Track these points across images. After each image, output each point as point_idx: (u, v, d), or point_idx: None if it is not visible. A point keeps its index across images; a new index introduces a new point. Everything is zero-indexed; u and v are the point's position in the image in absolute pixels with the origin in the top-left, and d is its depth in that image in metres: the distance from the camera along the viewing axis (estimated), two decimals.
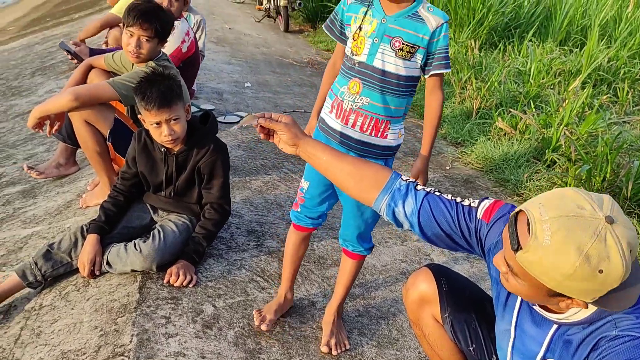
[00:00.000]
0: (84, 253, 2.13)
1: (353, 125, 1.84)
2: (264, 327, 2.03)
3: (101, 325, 1.88)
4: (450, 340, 1.65)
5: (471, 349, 1.62)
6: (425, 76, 1.85)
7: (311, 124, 2.11)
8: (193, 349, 1.82)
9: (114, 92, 2.46)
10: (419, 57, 1.79)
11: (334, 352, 2.03)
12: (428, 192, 1.45)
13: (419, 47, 1.78)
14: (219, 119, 3.94)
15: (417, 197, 1.44)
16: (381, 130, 1.84)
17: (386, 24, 1.77)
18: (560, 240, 1.08)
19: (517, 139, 4.33)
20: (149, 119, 2.15)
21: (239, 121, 4.07)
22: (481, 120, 4.76)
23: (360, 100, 1.82)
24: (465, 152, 4.36)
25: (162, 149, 2.29)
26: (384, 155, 1.90)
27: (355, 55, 1.82)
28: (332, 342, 2.05)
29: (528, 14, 7.57)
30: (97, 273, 2.13)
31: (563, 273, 1.09)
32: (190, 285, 2.13)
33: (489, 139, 4.43)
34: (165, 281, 2.11)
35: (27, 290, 2.15)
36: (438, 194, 1.46)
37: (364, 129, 1.83)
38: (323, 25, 2.04)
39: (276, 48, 7.38)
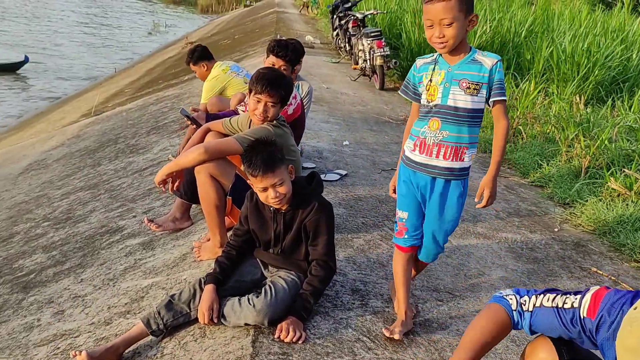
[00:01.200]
0: (203, 302, 2.25)
1: (437, 156, 2.23)
2: (396, 336, 2.31)
3: None
4: None
5: None
6: (490, 107, 2.22)
7: (397, 174, 2.43)
8: None
9: (238, 146, 2.67)
10: (484, 92, 2.18)
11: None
12: (532, 311, 1.62)
13: (482, 83, 2.17)
14: None
15: (525, 321, 1.64)
16: (459, 155, 2.23)
17: (452, 72, 2.19)
18: None
19: (632, 201, 4.07)
20: (256, 184, 2.32)
21: (339, 179, 4.17)
22: (591, 179, 4.54)
23: (441, 134, 2.21)
24: (574, 213, 4.16)
25: (272, 208, 2.41)
26: (462, 175, 2.28)
27: (431, 101, 2.22)
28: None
29: (637, 67, 7.25)
30: (215, 321, 2.23)
31: None
32: (300, 342, 2.18)
33: (600, 200, 4.20)
34: (276, 336, 2.17)
35: (150, 337, 2.30)
36: (539, 304, 1.61)
37: (446, 157, 2.22)
38: (399, 91, 2.44)
39: (372, 106, 7.54)
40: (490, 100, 2.20)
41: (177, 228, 3.49)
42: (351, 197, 3.88)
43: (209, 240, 2.99)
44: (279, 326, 2.20)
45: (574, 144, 5.07)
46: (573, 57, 7.05)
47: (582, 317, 1.47)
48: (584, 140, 4.99)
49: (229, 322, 2.25)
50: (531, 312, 1.62)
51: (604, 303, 1.42)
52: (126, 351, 2.27)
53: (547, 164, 5.03)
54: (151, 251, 3.29)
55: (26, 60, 15.44)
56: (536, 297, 1.62)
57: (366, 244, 3.19)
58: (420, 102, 2.29)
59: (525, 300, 1.64)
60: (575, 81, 6.72)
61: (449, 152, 2.21)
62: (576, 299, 1.51)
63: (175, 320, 2.29)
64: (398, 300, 2.46)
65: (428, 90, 2.22)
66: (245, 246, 2.54)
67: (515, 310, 1.65)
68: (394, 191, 2.45)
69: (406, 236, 2.38)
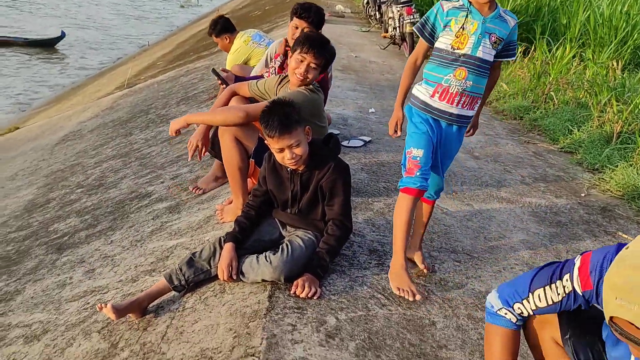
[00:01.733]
0: (223, 259, 2.32)
1: (457, 104, 2.35)
2: (418, 297, 2.32)
3: (235, 328, 2.04)
4: None
5: None
6: (497, 59, 2.38)
7: (398, 114, 2.55)
8: (316, 356, 1.91)
9: None
10: (499, 48, 2.34)
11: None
12: (533, 314, 1.61)
13: (503, 40, 2.33)
14: (343, 143, 4.08)
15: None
16: (473, 104, 2.40)
17: (485, 24, 2.28)
18: None
19: None
20: (273, 145, 2.35)
21: (362, 145, 4.18)
22: (622, 145, 4.42)
23: (466, 83, 2.32)
24: (603, 178, 4.07)
25: (289, 169, 2.45)
26: (468, 122, 2.48)
27: (458, 49, 2.29)
28: (426, 262, 2.60)
29: None
30: (234, 277, 2.31)
31: None
32: (315, 298, 2.23)
33: (631, 165, 4.10)
34: (291, 292, 2.24)
35: (173, 293, 2.39)
36: (534, 307, 1.57)
37: (464, 106, 2.36)
38: (414, 27, 2.53)
39: (401, 74, 7.42)
40: (508, 58, 2.45)
41: (221, 184, 3.60)
42: (374, 162, 3.89)
43: (231, 202, 3.07)
44: (295, 282, 2.26)
45: (607, 109, 4.92)
46: (611, 21, 6.78)
47: (580, 294, 1.46)
48: (617, 105, 4.85)
49: (247, 278, 2.32)
50: (532, 315, 1.63)
51: (592, 266, 1.40)
52: (150, 305, 2.37)
53: (578, 130, 4.91)
54: (177, 214, 3.40)
55: (63, 35, 15.76)
56: (528, 301, 1.59)
57: (386, 207, 3.21)
58: (430, 44, 2.41)
59: (520, 309, 1.60)
60: (613, 45, 6.48)
61: (467, 101, 2.36)
62: (567, 281, 1.48)
63: (196, 276, 2.38)
64: (395, 251, 2.44)
65: (458, 37, 2.28)
66: (264, 206, 2.59)
67: (516, 322, 1.64)
68: (395, 131, 2.54)
69: (418, 174, 2.37)
